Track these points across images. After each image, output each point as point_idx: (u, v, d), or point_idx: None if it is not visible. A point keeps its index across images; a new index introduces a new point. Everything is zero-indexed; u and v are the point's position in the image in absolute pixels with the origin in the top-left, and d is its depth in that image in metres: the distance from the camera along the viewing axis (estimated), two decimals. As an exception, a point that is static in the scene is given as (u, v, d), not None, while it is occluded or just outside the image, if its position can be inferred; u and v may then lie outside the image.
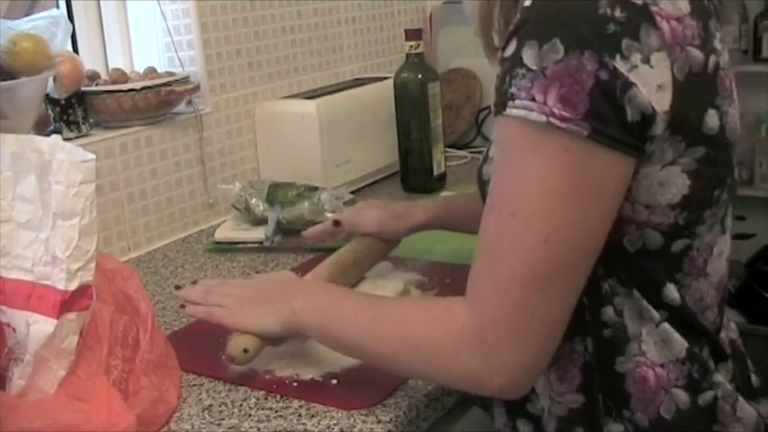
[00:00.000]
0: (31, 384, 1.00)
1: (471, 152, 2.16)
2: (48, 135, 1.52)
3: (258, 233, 1.63)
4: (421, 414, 1.04)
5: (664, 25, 0.84)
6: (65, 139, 1.51)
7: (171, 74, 1.70)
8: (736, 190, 0.99)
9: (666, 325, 0.93)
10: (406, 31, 1.86)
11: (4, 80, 1.44)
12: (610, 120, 0.82)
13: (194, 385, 1.12)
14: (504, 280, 0.87)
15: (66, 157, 0.94)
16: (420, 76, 1.84)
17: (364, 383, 1.07)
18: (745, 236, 3.11)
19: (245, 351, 1.06)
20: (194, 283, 1.21)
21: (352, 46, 2.21)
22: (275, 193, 1.66)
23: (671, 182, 0.89)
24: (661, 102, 0.84)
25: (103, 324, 1.07)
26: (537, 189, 0.85)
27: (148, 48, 1.80)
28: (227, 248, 1.63)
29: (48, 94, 1.54)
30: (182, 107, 1.73)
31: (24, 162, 0.96)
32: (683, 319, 0.94)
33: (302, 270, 1.48)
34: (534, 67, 0.83)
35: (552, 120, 0.82)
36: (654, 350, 0.93)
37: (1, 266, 0.99)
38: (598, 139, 0.82)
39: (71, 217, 0.94)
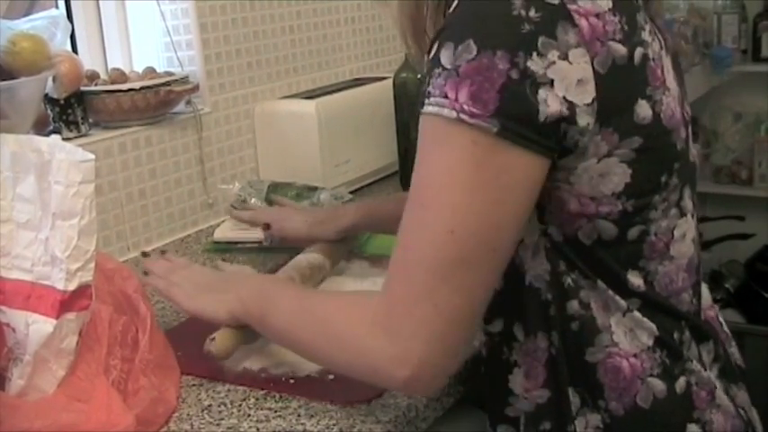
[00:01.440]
0: (31, 384, 1.00)
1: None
2: (47, 135, 1.53)
3: (257, 233, 1.62)
4: (420, 414, 1.04)
5: (582, 22, 0.87)
6: (64, 139, 1.52)
7: (170, 74, 1.70)
8: (692, 172, 1.02)
9: (635, 313, 0.94)
10: (405, 30, 1.86)
11: (3, 80, 1.44)
12: (520, 118, 0.84)
13: (193, 385, 1.12)
14: (411, 268, 0.89)
15: (66, 156, 0.94)
16: (419, 76, 1.84)
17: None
18: (745, 236, 3.11)
19: (212, 339, 1.10)
20: (163, 252, 1.31)
21: (352, 46, 2.21)
22: (274, 193, 1.66)
23: (611, 172, 0.90)
24: (582, 95, 0.86)
25: (102, 324, 1.07)
26: (445, 180, 0.86)
27: (147, 48, 1.80)
28: (227, 248, 1.63)
29: (47, 94, 1.54)
30: (181, 107, 1.73)
31: (24, 162, 0.96)
32: (654, 304, 0.96)
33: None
34: (449, 66, 0.85)
35: (462, 116, 0.84)
36: (625, 340, 0.94)
37: (1, 266, 1.00)
38: (507, 137, 0.84)
39: (70, 217, 0.94)
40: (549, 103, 0.84)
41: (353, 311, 0.96)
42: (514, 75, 0.83)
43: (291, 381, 1.10)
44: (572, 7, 0.86)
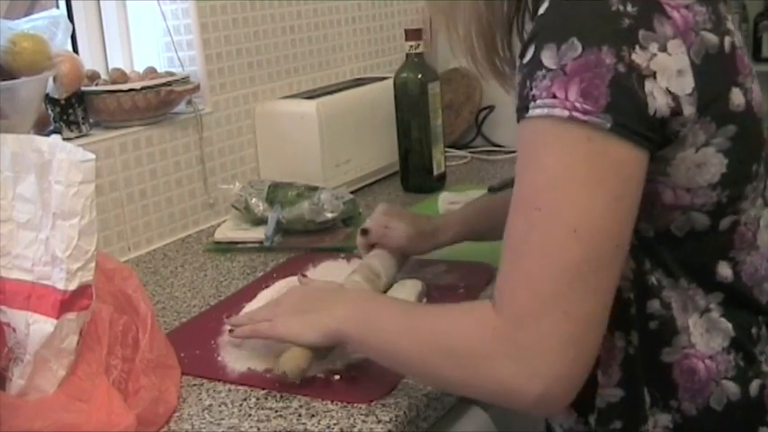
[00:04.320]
0: (31, 384, 1.00)
1: (471, 152, 2.17)
2: (48, 135, 1.52)
3: (258, 233, 1.63)
4: (421, 414, 1.04)
5: (674, 14, 0.87)
6: (65, 139, 1.51)
7: (171, 74, 1.70)
8: None
9: (713, 314, 0.93)
10: (405, 31, 1.86)
11: (4, 80, 1.44)
12: (630, 112, 0.84)
13: (194, 385, 1.12)
14: (533, 276, 0.85)
15: (66, 156, 0.94)
16: (420, 75, 1.84)
17: (367, 378, 1.07)
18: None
19: (284, 361, 1.06)
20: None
21: (352, 46, 2.21)
22: (275, 193, 1.66)
23: (708, 162, 0.89)
24: (683, 86, 0.86)
25: (103, 324, 1.07)
26: (561, 179, 0.84)
27: (148, 48, 1.80)
28: (227, 248, 1.63)
29: (47, 94, 1.54)
30: (182, 107, 1.73)
31: (24, 162, 0.96)
32: (737, 296, 0.95)
33: (290, 264, 1.50)
34: (554, 67, 0.84)
35: (575, 113, 0.83)
36: (701, 341, 0.93)
37: (1, 266, 1.00)
38: (619, 131, 0.83)
39: (71, 217, 0.94)
40: (656, 96, 0.84)
41: (469, 325, 0.91)
42: (622, 68, 0.83)
43: (297, 381, 1.09)
44: (663, 0, 0.87)
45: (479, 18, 1.01)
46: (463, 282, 1.36)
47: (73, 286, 0.96)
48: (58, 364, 0.99)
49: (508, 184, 1.66)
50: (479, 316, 0.90)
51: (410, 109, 1.86)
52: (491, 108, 2.21)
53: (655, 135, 0.86)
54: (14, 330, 1.00)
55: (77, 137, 1.56)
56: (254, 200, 1.66)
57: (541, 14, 0.89)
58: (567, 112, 0.83)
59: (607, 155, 0.84)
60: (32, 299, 0.98)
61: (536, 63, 0.86)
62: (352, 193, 1.88)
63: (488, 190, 1.65)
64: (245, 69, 1.87)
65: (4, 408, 0.94)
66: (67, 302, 0.97)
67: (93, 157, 0.94)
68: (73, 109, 1.55)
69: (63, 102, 1.54)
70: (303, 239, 1.61)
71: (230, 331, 1.16)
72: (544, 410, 0.92)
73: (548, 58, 0.85)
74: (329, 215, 1.61)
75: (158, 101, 1.62)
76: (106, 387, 1.01)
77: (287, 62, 1.98)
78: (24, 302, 0.98)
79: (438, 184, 1.90)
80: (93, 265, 0.98)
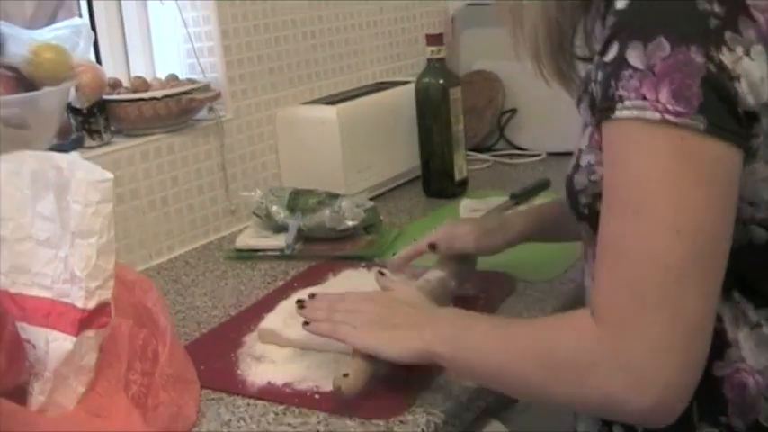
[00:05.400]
0: (51, 400, 1.00)
1: (493, 155, 2.16)
2: (70, 143, 1.54)
3: (279, 241, 1.63)
4: (439, 430, 1.03)
5: (760, 18, 0.85)
6: (86, 148, 1.54)
7: (192, 81, 1.71)
8: None
9: (764, 329, 0.91)
10: (427, 36, 1.86)
11: (26, 90, 1.45)
12: (723, 112, 0.82)
13: (213, 399, 1.12)
14: (636, 281, 0.82)
15: (84, 176, 0.94)
16: (441, 81, 1.84)
17: (385, 395, 1.06)
18: None
19: (345, 375, 1.02)
20: (312, 296, 1.16)
21: (374, 49, 2.21)
22: (296, 201, 1.66)
23: None
24: (763, 94, 0.84)
25: (122, 339, 1.08)
26: (659, 180, 0.82)
27: (170, 55, 1.80)
28: (248, 256, 1.63)
29: (69, 104, 1.55)
30: (203, 114, 1.74)
31: (43, 181, 0.96)
32: None
33: (310, 272, 1.50)
34: (641, 66, 0.83)
35: (667, 116, 0.82)
36: (751, 356, 0.91)
37: (21, 283, 1.00)
38: (714, 132, 0.82)
39: (89, 236, 0.94)
40: (742, 99, 0.83)
41: (570, 338, 0.88)
42: (712, 68, 0.81)
43: (316, 396, 1.09)
44: (750, 2, 0.85)
45: (547, 17, 0.99)
46: (483, 292, 1.35)
47: (92, 304, 0.97)
48: (78, 380, 1.00)
49: (530, 192, 1.65)
50: (579, 327, 0.87)
51: (432, 114, 1.86)
52: (513, 111, 2.20)
53: (746, 133, 0.84)
54: (34, 347, 1.01)
55: (99, 145, 1.57)
56: (274, 207, 1.66)
57: (623, 10, 0.87)
58: (658, 115, 0.82)
59: (702, 155, 0.82)
60: (52, 316, 0.99)
61: (621, 62, 0.84)
62: (373, 199, 1.88)
63: (510, 197, 1.64)
64: (267, 75, 1.87)
65: (24, 424, 0.95)
66: (86, 320, 0.97)
67: (111, 176, 0.94)
68: (95, 118, 1.56)
69: (85, 111, 1.54)
70: (324, 247, 1.61)
71: (305, 323, 1.11)
72: (657, 421, 0.86)
73: (634, 58, 0.83)
74: (350, 223, 1.61)
75: (179, 109, 1.62)
76: (125, 403, 1.02)
77: (308, 67, 1.98)
78: (44, 320, 0.99)
79: (460, 189, 1.89)
80: (111, 282, 0.98)
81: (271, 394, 1.12)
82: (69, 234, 0.95)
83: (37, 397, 1.01)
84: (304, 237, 1.63)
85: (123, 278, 1.23)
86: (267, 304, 1.38)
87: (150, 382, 1.08)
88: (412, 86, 1.89)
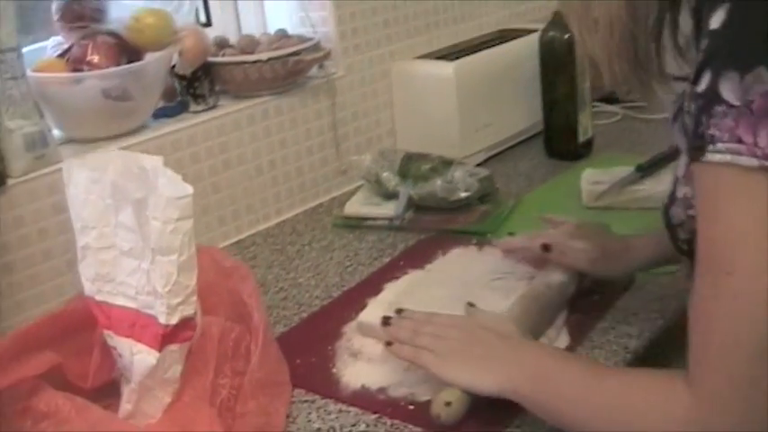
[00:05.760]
0: (138, 409, 0.99)
1: (623, 107, 2.00)
2: (176, 107, 1.50)
3: (388, 208, 1.56)
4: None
5: None
6: (191, 113, 1.49)
7: (301, 38, 1.63)
8: None
9: None
10: (553, -16, 1.72)
11: (129, 57, 1.41)
12: None
13: (305, 401, 1.08)
14: (726, 351, 0.74)
15: (164, 190, 0.89)
16: (567, 35, 1.70)
17: (486, 406, 0.99)
18: None
19: (448, 404, 0.98)
20: (399, 312, 1.11)
21: (497, -7, 2.07)
22: (408, 167, 1.58)
23: None
24: None
25: (212, 343, 1.04)
26: (755, 238, 0.72)
27: (281, 8, 1.73)
28: (356, 224, 1.57)
29: (173, 67, 1.50)
30: (313, 71, 1.66)
31: (123, 192, 0.92)
32: None
33: (418, 249, 1.43)
34: (737, 102, 0.72)
35: (767, 162, 0.71)
36: None
37: (106, 292, 0.97)
38: None
39: (169, 253, 0.90)
40: None
41: (657, 402, 0.81)
42: None
43: (410, 407, 1.04)
44: None
45: (619, 20, 0.85)
46: (598, 285, 1.25)
47: (174, 320, 0.93)
48: (163, 392, 0.98)
49: (659, 162, 1.52)
50: (670, 390, 0.80)
51: (556, 70, 1.73)
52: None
53: None
54: (121, 356, 0.98)
55: (204, 110, 1.52)
56: (385, 174, 1.59)
57: (716, 31, 0.74)
58: (756, 161, 0.71)
59: None
60: (136, 327, 0.96)
61: (713, 95, 0.73)
62: (490, 159, 1.79)
63: (636, 168, 1.51)
64: (381, 27, 1.77)
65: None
66: (169, 336, 0.94)
67: (190, 192, 0.89)
68: (199, 82, 1.51)
69: (189, 75, 1.49)
70: (435, 218, 1.54)
71: (387, 343, 1.06)
72: None
73: (728, 91, 0.72)
74: (463, 194, 1.52)
75: (286, 71, 1.55)
76: (208, 415, 0.98)
77: (426, 16, 1.87)
78: (129, 330, 0.96)
79: (584, 150, 1.77)
80: (194, 298, 0.94)
81: (364, 400, 1.07)
82: (150, 249, 0.90)
83: (125, 405, 0.99)
84: (415, 205, 1.56)
85: (221, 264, 1.20)
86: (372, 285, 1.33)
87: (240, 384, 1.05)
88: (535, 38, 1.76)
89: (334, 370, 1.14)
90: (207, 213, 1.52)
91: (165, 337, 0.93)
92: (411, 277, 1.34)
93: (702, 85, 0.74)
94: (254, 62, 1.52)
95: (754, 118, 0.71)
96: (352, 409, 1.05)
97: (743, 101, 0.71)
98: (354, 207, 1.60)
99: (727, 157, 0.72)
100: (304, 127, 1.65)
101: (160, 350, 0.93)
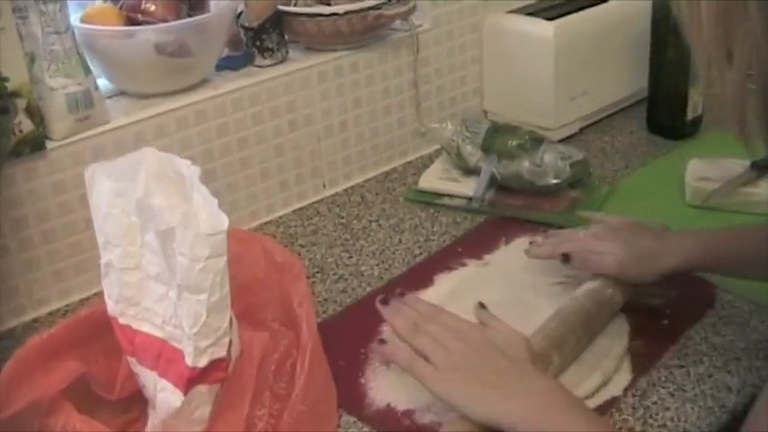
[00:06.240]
0: (162, 443, 0.87)
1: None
2: (241, 58, 1.35)
3: (467, 186, 1.41)
4: None
5: None
6: (257, 67, 1.34)
7: (385, -13, 1.45)
8: None
9: None
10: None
11: (190, 8, 1.27)
12: None
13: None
14: None
15: (192, 221, 0.75)
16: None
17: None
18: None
19: None
20: (401, 294, 1.02)
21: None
22: (493, 140, 1.42)
23: None
24: None
25: (251, 368, 0.92)
26: None
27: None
28: (430, 200, 1.42)
29: (239, 15, 1.35)
30: (396, 23, 1.49)
31: (150, 212, 0.78)
32: None
33: (481, 232, 1.29)
34: None
35: None
36: None
37: (130, 315, 0.85)
38: None
39: (198, 292, 0.77)
40: None
41: None
42: None
43: None
44: None
45: (760, 62, 0.66)
46: (670, 302, 1.11)
47: (202, 363, 0.81)
48: (190, 429, 0.86)
49: (780, 163, 1.33)
50: None
51: (669, 37, 1.53)
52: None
53: None
54: (144, 386, 0.87)
55: (272, 65, 1.37)
56: (468, 147, 1.43)
57: None
58: None
59: None
60: (162, 360, 0.84)
61: None
62: (585, 129, 1.61)
63: (751, 165, 1.32)
64: (475, -26, 1.59)
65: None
66: (197, 378, 0.82)
67: (225, 228, 0.75)
68: (267, 34, 1.35)
69: (256, 26, 1.34)
70: (518, 202, 1.38)
71: (380, 341, 0.98)
72: None
73: None
74: (552, 181, 1.36)
75: (364, 26, 1.38)
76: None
77: (527, -39, 1.67)
78: (153, 362, 0.84)
79: (691, 128, 1.58)
80: (226, 339, 0.81)
81: (388, 425, 0.95)
82: (176, 285, 0.77)
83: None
84: (497, 184, 1.40)
85: (273, 258, 1.08)
86: (424, 275, 1.22)
87: (281, 410, 0.93)
88: (649, -5, 1.55)
89: (362, 380, 1.02)
90: (267, 177, 1.39)
91: (192, 380, 0.81)
92: (464, 272, 1.22)
93: None
94: (330, 15, 1.36)
95: None
96: (372, 432, 0.94)
97: None
98: (430, 181, 1.45)
99: None
100: (382, 85, 1.49)
101: (186, 392, 0.81)
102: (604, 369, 1.00)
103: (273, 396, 0.96)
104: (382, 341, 0.97)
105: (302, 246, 1.33)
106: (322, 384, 0.97)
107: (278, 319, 1.07)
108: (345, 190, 1.49)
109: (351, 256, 1.29)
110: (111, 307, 0.85)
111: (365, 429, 0.95)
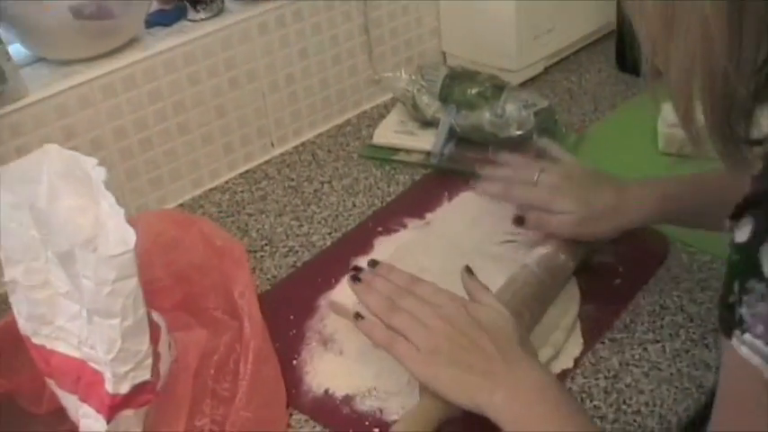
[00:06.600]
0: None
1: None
2: (171, 13, 1.24)
3: (425, 140, 1.31)
4: None
5: None
6: (191, 21, 1.23)
7: (328, -76, 1.33)
8: None
9: None
10: None
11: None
12: None
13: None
14: None
15: (97, 248, 0.65)
16: None
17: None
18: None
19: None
20: (374, 264, 0.92)
21: None
22: (451, 89, 1.32)
23: None
24: None
25: (187, 379, 0.85)
26: None
27: None
28: (386, 156, 1.33)
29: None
30: (341, -36, 1.38)
31: (46, 229, 0.69)
32: None
33: (420, 189, 1.17)
34: None
35: None
36: None
37: (44, 335, 0.76)
38: None
39: (109, 317, 0.67)
40: None
41: None
42: None
43: (375, 430, 0.87)
44: None
45: (709, 55, 0.57)
46: (622, 260, 1.04)
47: (124, 390, 0.72)
48: (120, 454, 0.77)
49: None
50: None
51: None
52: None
53: None
54: (67, 409, 0.78)
55: (207, 18, 1.25)
56: (424, 99, 1.32)
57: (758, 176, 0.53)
58: None
59: None
60: (82, 383, 0.75)
61: (750, 262, 0.54)
62: (550, 68, 1.51)
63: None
64: None
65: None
66: (120, 404, 0.73)
67: (131, 246, 0.65)
68: (199, -15, 1.23)
69: (186, -22, 1.22)
70: (480, 155, 1.28)
71: (356, 315, 0.87)
72: None
73: None
74: (516, 132, 1.26)
75: (307, -30, 1.27)
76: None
77: None
78: (73, 385, 0.76)
79: (664, 64, 1.48)
80: (149, 361, 0.72)
81: (324, 414, 0.90)
82: (84, 308, 0.68)
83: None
84: (457, 137, 1.30)
85: (212, 241, 1.00)
86: (363, 238, 1.14)
87: (224, 415, 0.86)
88: None
89: (296, 362, 0.96)
90: (209, 142, 1.29)
91: (115, 407, 0.72)
92: (404, 234, 1.14)
93: (741, 236, 0.55)
94: (267, -39, 1.24)
95: None
96: (307, 427, 0.88)
97: None
98: (385, 135, 1.35)
99: (754, 359, 0.55)
100: (329, 33, 1.38)
101: (109, 419, 0.73)
102: (554, 342, 0.93)
103: (216, 400, 0.88)
104: (358, 316, 0.87)
105: (250, 214, 1.24)
106: (268, 385, 0.89)
107: (220, 306, 0.99)
108: (296, 147, 1.39)
109: (301, 225, 1.20)
110: (23, 325, 0.75)
111: (301, 419, 0.89)
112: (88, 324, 0.68)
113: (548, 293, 0.96)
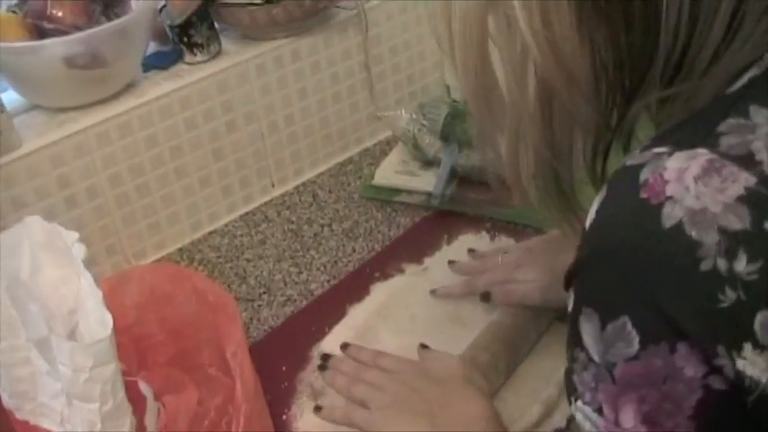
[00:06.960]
0: None
1: None
2: (168, 55, 1.22)
3: (426, 181, 1.29)
4: None
5: None
6: (188, 64, 1.22)
7: (325, -37, 1.31)
8: None
9: None
10: None
11: (106, 4, 1.13)
12: None
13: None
14: None
15: (85, 317, 0.64)
16: None
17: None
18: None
19: None
20: (345, 346, 0.96)
21: None
22: (452, 127, 1.30)
23: None
24: None
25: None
26: None
27: None
28: (387, 197, 1.30)
29: (162, 9, 1.22)
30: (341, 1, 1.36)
31: (23, 314, 0.67)
32: None
33: (420, 230, 1.10)
34: (597, 359, 0.53)
35: None
36: None
37: (28, 411, 0.74)
38: None
39: (88, 401, 0.66)
40: None
41: None
42: (717, 384, 0.51)
43: None
44: None
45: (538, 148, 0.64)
46: None
47: (107, 470, 0.70)
48: None
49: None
50: None
51: None
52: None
53: None
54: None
55: (204, 61, 1.24)
56: (426, 137, 1.30)
57: (590, 226, 0.54)
58: None
59: None
60: (65, 462, 0.73)
61: (575, 332, 0.54)
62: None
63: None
64: (427, -61, 1.44)
65: None
66: (103, 484, 0.71)
67: (108, 333, 0.63)
68: (195, 29, 1.21)
69: (181, 23, 1.21)
70: (483, 196, 1.26)
71: (317, 408, 0.91)
72: None
73: (589, 337, 0.53)
74: (516, 172, 1.24)
75: (303, 12, 1.25)
76: None
77: None
78: (56, 463, 0.74)
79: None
80: (132, 442, 0.70)
81: None
82: (64, 392, 0.66)
83: None
84: (459, 177, 1.28)
85: (205, 297, 0.99)
86: (359, 283, 1.13)
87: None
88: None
89: (285, 417, 0.95)
90: (207, 185, 1.27)
91: (98, 489, 0.70)
92: (400, 281, 1.12)
93: (569, 302, 0.56)
94: (263, 3, 1.22)
95: (617, 388, 0.52)
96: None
97: (602, 359, 0.52)
98: (386, 175, 1.33)
99: (587, 427, 0.55)
100: (329, 71, 1.36)
101: (93, 500, 0.71)
102: (546, 399, 0.91)
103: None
104: (318, 408, 0.90)
105: (248, 260, 1.22)
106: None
107: (215, 363, 0.98)
108: (296, 187, 1.37)
109: (300, 272, 1.18)
110: (6, 400, 0.74)
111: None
112: (68, 406, 0.66)
113: (510, 333, 0.96)
